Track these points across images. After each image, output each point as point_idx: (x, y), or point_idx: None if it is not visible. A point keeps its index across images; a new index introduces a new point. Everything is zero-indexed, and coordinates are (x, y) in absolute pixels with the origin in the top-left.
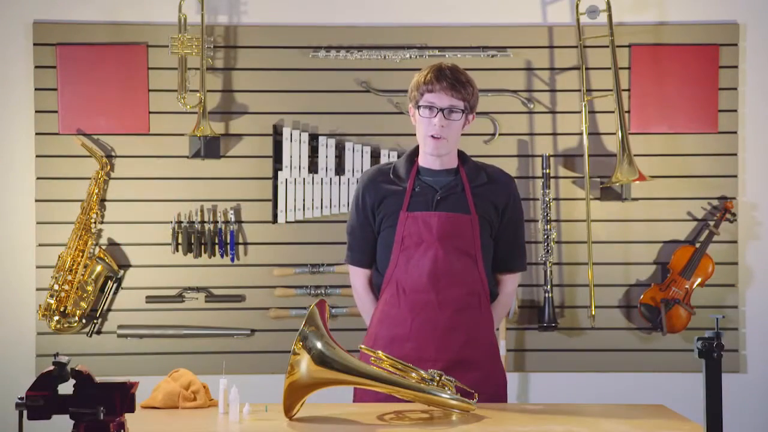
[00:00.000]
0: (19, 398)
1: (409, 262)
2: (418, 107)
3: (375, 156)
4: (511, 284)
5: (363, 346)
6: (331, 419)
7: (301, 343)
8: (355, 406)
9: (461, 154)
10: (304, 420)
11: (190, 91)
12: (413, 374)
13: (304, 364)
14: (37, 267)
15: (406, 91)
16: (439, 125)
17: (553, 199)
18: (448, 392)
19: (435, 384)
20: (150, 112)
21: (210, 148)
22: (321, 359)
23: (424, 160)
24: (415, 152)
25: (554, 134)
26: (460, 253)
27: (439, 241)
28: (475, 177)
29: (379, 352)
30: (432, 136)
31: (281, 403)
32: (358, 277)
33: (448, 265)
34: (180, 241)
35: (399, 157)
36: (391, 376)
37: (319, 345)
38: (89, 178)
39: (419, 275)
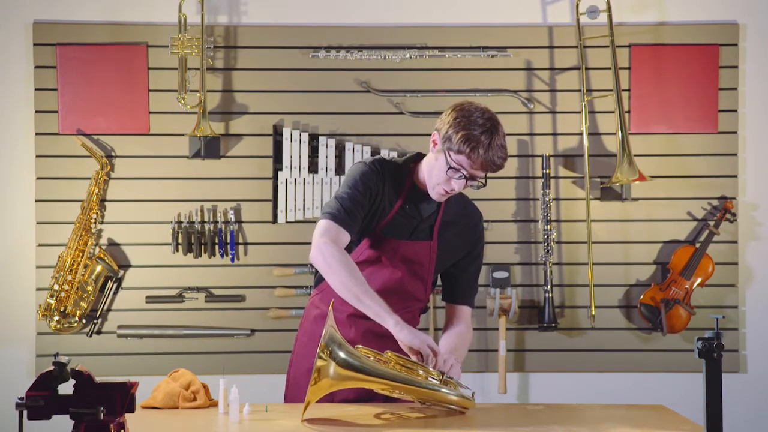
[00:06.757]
0: (19, 398)
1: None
2: (448, 160)
3: (375, 156)
4: (468, 317)
5: (369, 349)
6: (331, 420)
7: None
8: (354, 407)
9: None
10: (304, 420)
11: (190, 91)
12: (420, 371)
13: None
14: (37, 267)
15: (406, 91)
16: (458, 187)
17: (553, 199)
18: (452, 389)
19: (439, 382)
20: (150, 112)
21: (210, 148)
22: (347, 364)
23: (421, 181)
24: (414, 159)
25: (554, 134)
26: (412, 277)
27: (394, 264)
28: (453, 208)
29: (388, 352)
30: (445, 190)
31: (282, 403)
32: (344, 237)
33: (397, 286)
34: (180, 241)
35: (399, 155)
36: (409, 376)
37: (342, 354)
38: (89, 178)
39: None
